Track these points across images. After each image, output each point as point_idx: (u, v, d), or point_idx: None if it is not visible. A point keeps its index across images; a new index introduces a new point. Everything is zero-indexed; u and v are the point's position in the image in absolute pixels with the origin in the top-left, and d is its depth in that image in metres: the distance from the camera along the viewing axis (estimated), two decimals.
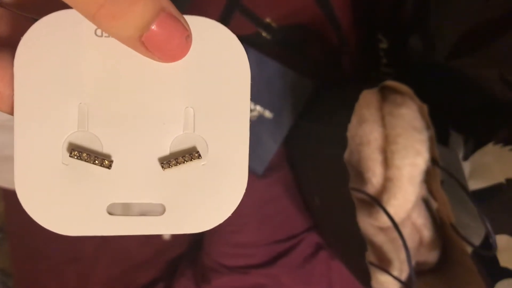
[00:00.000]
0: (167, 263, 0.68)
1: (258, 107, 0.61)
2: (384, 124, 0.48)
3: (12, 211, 0.66)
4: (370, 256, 0.46)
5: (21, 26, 0.18)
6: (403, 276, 0.48)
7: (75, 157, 0.19)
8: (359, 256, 0.45)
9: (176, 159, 0.20)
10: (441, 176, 0.48)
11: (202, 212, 0.20)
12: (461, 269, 0.47)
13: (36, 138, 0.18)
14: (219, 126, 0.20)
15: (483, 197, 0.46)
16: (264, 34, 0.61)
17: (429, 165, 0.47)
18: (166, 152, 0.20)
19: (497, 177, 0.44)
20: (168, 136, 0.20)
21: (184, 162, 0.20)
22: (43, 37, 0.18)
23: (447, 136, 0.50)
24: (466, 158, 0.49)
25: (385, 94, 0.50)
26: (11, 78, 0.18)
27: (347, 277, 0.57)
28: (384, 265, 0.47)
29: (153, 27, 0.16)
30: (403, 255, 0.47)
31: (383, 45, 0.59)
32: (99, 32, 0.18)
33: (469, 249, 0.46)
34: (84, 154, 0.19)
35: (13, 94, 0.18)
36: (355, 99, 0.45)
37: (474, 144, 0.47)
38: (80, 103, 0.19)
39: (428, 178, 0.49)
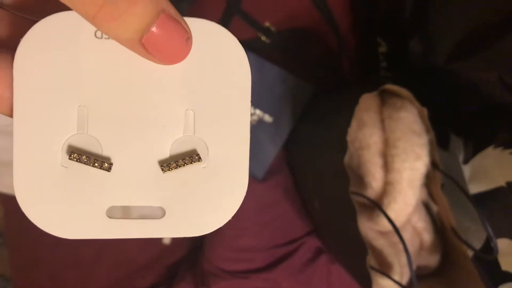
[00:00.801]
0: (167, 267, 0.68)
1: (258, 111, 0.61)
2: (384, 128, 0.48)
3: (11, 216, 0.66)
4: (370, 260, 0.46)
5: (21, 28, 0.18)
6: (404, 280, 0.48)
7: (75, 159, 0.18)
8: (359, 260, 0.45)
9: (176, 161, 0.19)
10: (441, 179, 0.48)
11: (202, 215, 0.20)
12: (462, 273, 0.47)
13: (36, 140, 0.18)
14: (220, 128, 0.20)
15: (483, 200, 0.46)
16: (263, 38, 0.61)
17: (429, 169, 0.47)
18: (166, 154, 0.19)
19: (498, 181, 0.44)
20: (168, 139, 0.19)
21: (184, 165, 0.19)
22: (42, 39, 0.18)
23: (447, 140, 0.50)
24: (466, 161, 0.48)
25: (384, 98, 0.50)
26: (10, 80, 0.18)
27: (347, 281, 0.57)
28: (385, 269, 0.47)
29: (153, 29, 0.16)
30: (403, 259, 0.47)
31: (383, 48, 0.59)
32: (99, 34, 0.18)
33: (470, 253, 0.46)
34: (84, 157, 0.19)
35: (12, 96, 0.18)
36: (354, 103, 0.45)
37: (474, 148, 0.47)
38: (80, 105, 0.18)
39: (428, 181, 0.48)
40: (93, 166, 0.19)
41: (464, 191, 0.43)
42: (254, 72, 0.59)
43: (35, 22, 0.18)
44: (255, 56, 0.60)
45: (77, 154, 0.19)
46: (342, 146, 0.45)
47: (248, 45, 0.61)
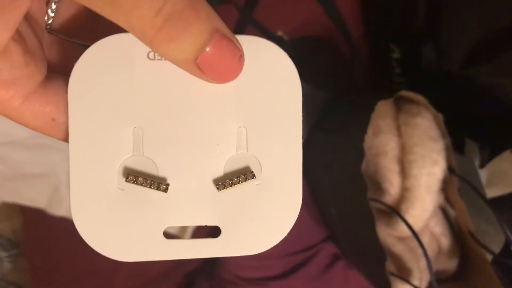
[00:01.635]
0: (184, 276, 0.68)
1: None
2: (400, 134, 0.48)
3: (31, 227, 0.67)
4: (390, 266, 0.46)
5: (71, 52, 0.18)
6: (423, 285, 0.48)
7: (132, 181, 0.18)
8: (378, 266, 0.45)
9: (230, 179, 0.19)
10: (458, 184, 0.48)
11: (258, 233, 0.20)
12: (481, 277, 0.47)
13: (92, 164, 0.18)
14: (272, 145, 0.19)
15: (501, 204, 0.46)
16: None
17: (446, 174, 0.47)
18: (220, 173, 0.19)
19: None
20: (222, 157, 0.19)
21: (239, 183, 0.19)
22: (96, 63, 0.18)
23: (462, 144, 0.50)
24: (482, 166, 0.49)
25: (400, 104, 0.50)
26: (65, 105, 0.18)
27: (364, 287, 0.57)
28: (404, 275, 0.47)
29: (207, 49, 0.16)
30: (422, 264, 0.47)
31: (396, 54, 0.59)
32: (151, 55, 0.18)
33: (489, 257, 0.46)
34: (140, 179, 0.18)
35: (67, 121, 0.18)
36: (370, 110, 0.45)
37: (490, 152, 0.48)
38: (135, 127, 0.18)
39: (445, 186, 0.49)
40: (150, 187, 0.19)
41: (482, 195, 0.44)
42: None
43: (85, 46, 0.18)
44: None
45: (133, 176, 0.18)
46: (358, 153, 0.46)
47: None
